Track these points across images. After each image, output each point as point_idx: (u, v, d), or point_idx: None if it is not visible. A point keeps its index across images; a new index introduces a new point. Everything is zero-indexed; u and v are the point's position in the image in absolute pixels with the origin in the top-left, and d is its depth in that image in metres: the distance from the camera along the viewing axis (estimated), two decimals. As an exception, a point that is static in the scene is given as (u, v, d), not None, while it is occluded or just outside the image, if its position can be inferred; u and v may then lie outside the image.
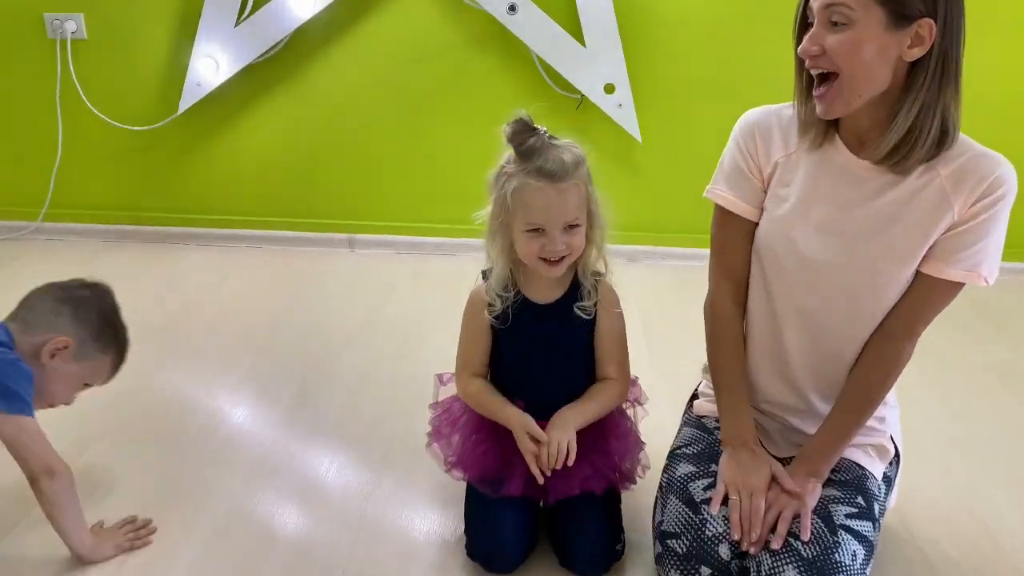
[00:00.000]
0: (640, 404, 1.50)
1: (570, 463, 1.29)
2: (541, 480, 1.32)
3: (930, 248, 1.19)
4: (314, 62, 2.69)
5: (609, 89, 2.61)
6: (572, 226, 1.27)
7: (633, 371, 1.44)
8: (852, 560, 1.19)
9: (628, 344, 1.40)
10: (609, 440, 1.41)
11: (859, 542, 1.21)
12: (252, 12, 2.57)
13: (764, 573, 1.18)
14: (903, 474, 1.42)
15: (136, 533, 1.42)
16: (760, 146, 1.30)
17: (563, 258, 1.28)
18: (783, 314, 1.32)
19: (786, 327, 1.33)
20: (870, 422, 1.33)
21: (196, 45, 2.60)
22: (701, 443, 1.40)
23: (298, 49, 2.67)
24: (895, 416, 1.42)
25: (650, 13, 2.59)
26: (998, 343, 2.31)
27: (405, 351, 2.17)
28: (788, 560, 1.18)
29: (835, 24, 1.11)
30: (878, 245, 1.21)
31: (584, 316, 1.34)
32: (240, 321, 2.30)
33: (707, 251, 1.40)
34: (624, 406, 1.46)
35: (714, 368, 1.38)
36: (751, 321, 1.37)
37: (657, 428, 1.52)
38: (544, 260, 1.28)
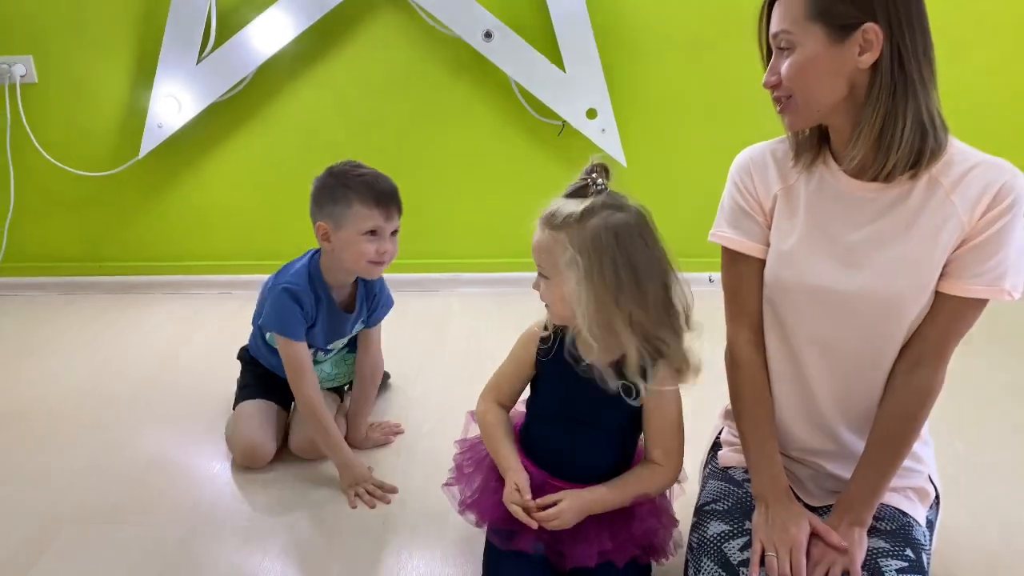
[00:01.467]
0: (679, 483, 1.37)
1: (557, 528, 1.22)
2: (535, 526, 1.21)
3: (946, 266, 1.12)
4: (281, 98, 2.59)
5: (591, 114, 2.53)
6: (542, 276, 1.21)
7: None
8: None
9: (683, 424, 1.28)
10: (634, 515, 1.30)
11: None
12: (215, 48, 2.46)
13: None
14: (943, 514, 1.33)
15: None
16: (757, 181, 1.24)
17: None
18: (800, 349, 1.23)
19: (806, 362, 1.23)
20: (907, 462, 1.23)
21: (156, 85, 2.48)
22: (731, 498, 1.28)
23: (264, 85, 2.57)
24: (930, 453, 1.32)
25: (631, 36, 2.54)
26: (1003, 359, 2.23)
27: (390, 392, 2.05)
28: None
29: (783, 50, 1.12)
30: (888, 266, 1.14)
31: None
32: (217, 376, 2.15)
33: (698, 274, 1.33)
34: (669, 507, 1.35)
35: (740, 418, 1.28)
36: (772, 362, 1.28)
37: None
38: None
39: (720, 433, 1.44)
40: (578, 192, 1.20)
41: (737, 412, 1.29)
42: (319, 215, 1.62)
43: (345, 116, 2.62)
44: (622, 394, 1.20)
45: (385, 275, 1.75)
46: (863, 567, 1.14)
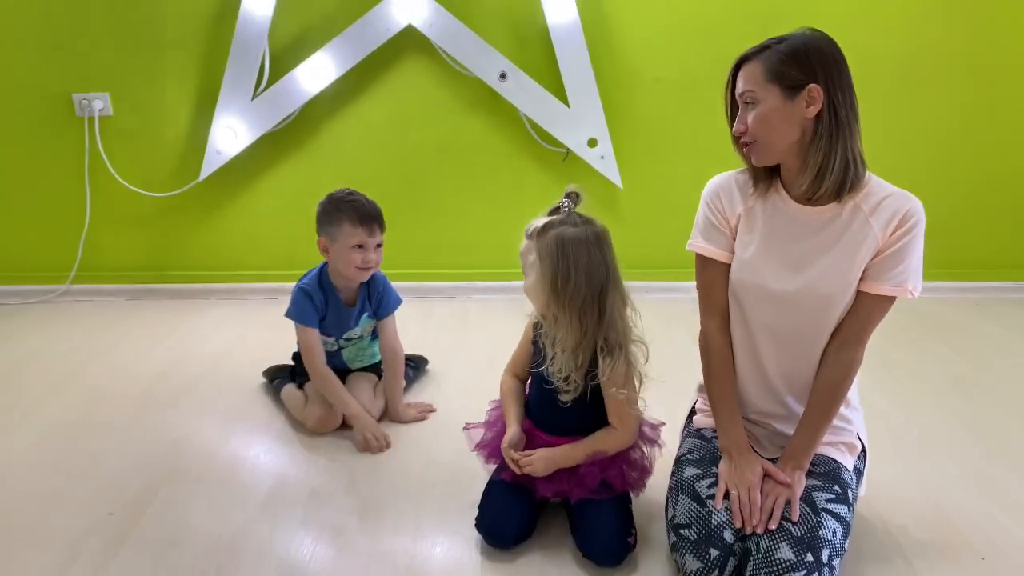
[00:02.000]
0: (659, 447, 1.69)
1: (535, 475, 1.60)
2: (518, 472, 1.61)
3: (864, 271, 1.46)
4: (323, 130, 2.94)
5: (592, 143, 2.89)
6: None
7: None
8: (833, 536, 1.42)
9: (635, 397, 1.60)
10: (622, 467, 1.64)
11: (838, 521, 1.44)
12: (267, 87, 2.82)
13: (763, 550, 1.41)
14: (873, 471, 1.66)
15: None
16: (725, 203, 1.57)
17: None
18: (757, 334, 1.57)
19: (761, 344, 1.58)
20: (839, 423, 1.58)
21: (216, 117, 2.83)
22: (702, 450, 1.63)
23: (308, 119, 2.91)
24: (859, 418, 1.67)
25: (626, 76, 2.89)
26: (944, 354, 2.58)
27: (424, 386, 2.39)
28: (782, 539, 1.41)
29: (748, 104, 1.44)
30: (822, 272, 1.48)
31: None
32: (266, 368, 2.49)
33: (684, 284, 1.67)
34: (645, 447, 1.68)
35: (710, 390, 1.63)
36: (734, 344, 1.63)
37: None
38: None
39: (695, 403, 1.79)
40: (552, 212, 1.55)
41: (708, 384, 1.64)
42: (320, 232, 2.05)
43: (378, 146, 2.96)
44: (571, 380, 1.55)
45: (412, 284, 2.15)
46: (801, 498, 1.48)
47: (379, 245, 2.05)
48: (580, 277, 1.49)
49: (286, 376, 2.27)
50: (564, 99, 2.85)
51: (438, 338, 2.66)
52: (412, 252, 3.02)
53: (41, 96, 2.88)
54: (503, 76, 2.81)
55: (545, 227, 1.52)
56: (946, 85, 2.94)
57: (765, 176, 1.53)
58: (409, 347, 2.27)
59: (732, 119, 1.50)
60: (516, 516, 1.62)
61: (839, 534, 1.44)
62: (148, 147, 2.95)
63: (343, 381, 2.14)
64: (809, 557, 1.38)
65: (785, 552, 1.39)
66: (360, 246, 2.01)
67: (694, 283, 1.65)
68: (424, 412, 2.18)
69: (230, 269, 3.11)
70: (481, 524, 1.62)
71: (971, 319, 2.88)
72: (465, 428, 1.80)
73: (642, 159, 2.98)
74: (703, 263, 1.62)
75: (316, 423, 2.05)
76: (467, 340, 2.68)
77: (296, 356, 2.24)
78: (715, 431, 1.63)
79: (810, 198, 1.47)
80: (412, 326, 2.78)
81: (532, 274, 1.54)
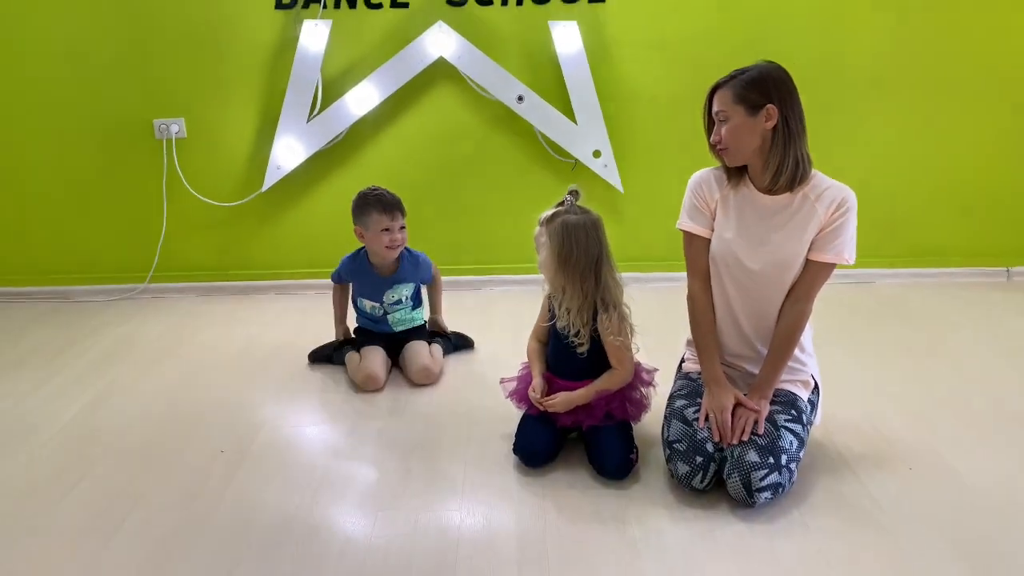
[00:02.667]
0: (654, 387, 2.13)
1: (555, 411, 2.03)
2: (541, 407, 2.04)
3: (811, 243, 1.89)
4: (367, 147, 3.37)
5: (596, 154, 3.32)
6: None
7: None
8: (790, 446, 1.84)
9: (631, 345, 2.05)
10: (624, 401, 2.08)
11: (794, 436, 1.86)
12: (320, 111, 3.26)
13: (735, 456, 1.83)
14: (831, 409, 2.10)
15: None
16: (706, 191, 2.00)
17: None
18: (732, 294, 2.00)
19: (734, 302, 2.00)
20: (795, 365, 2.00)
21: (277, 137, 3.27)
22: (689, 387, 2.06)
23: (355, 137, 3.35)
24: (813, 362, 2.07)
25: (625, 97, 3.30)
26: (901, 326, 3.02)
27: (463, 354, 2.83)
28: (750, 447, 1.83)
29: (722, 122, 1.86)
30: (779, 244, 1.91)
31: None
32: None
33: (678, 274, 2.08)
34: (644, 388, 2.11)
35: (695, 335, 2.06)
36: (715, 302, 2.06)
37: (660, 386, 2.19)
38: None
39: (684, 355, 2.22)
40: (558, 205, 2.01)
41: (693, 330, 2.06)
42: (355, 223, 2.56)
43: (414, 160, 3.38)
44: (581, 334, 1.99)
45: (445, 276, 2.69)
46: (766, 420, 1.91)
47: (402, 227, 2.55)
48: (580, 252, 1.95)
49: (344, 349, 2.69)
50: (572, 117, 3.27)
51: (471, 321, 3.05)
52: (442, 250, 3.36)
53: (126, 121, 3.33)
54: (520, 98, 3.25)
55: (553, 216, 1.98)
56: (906, 96, 3.33)
57: (736, 173, 1.96)
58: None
59: (709, 131, 1.94)
60: (543, 441, 2.05)
61: (795, 445, 1.86)
62: (217, 163, 3.39)
63: (400, 349, 2.59)
64: (771, 460, 1.81)
65: (752, 456, 1.82)
66: (387, 230, 2.50)
67: (686, 273, 2.09)
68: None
69: (287, 268, 3.53)
70: (517, 448, 2.05)
71: (927, 300, 3.29)
72: (501, 382, 2.23)
73: (640, 167, 3.38)
74: (689, 238, 2.05)
75: (364, 380, 2.49)
76: (494, 322, 3.09)
77: (356, 330, 2.70)
78: (699, 373, 2.07)
79: (770, 189, 1.91)
80: (445, 314, 3.21)
81: (544, 252, 1.99)
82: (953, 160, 3.44)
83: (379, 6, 3.20)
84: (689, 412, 1.97)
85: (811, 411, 2.02)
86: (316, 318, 3.10)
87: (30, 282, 3.54)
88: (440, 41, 3.19)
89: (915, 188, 3.47)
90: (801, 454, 1.90)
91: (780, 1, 3.22)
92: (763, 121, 1.82)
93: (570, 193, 2.04)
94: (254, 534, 1.78)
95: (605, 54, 3.27)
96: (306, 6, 3.18)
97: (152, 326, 3.17)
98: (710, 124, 1.93)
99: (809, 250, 1.90)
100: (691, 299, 2.07)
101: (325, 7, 3.17)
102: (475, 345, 2.88)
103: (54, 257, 3.52)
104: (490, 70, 3.22)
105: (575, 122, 3.28)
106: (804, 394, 2.01)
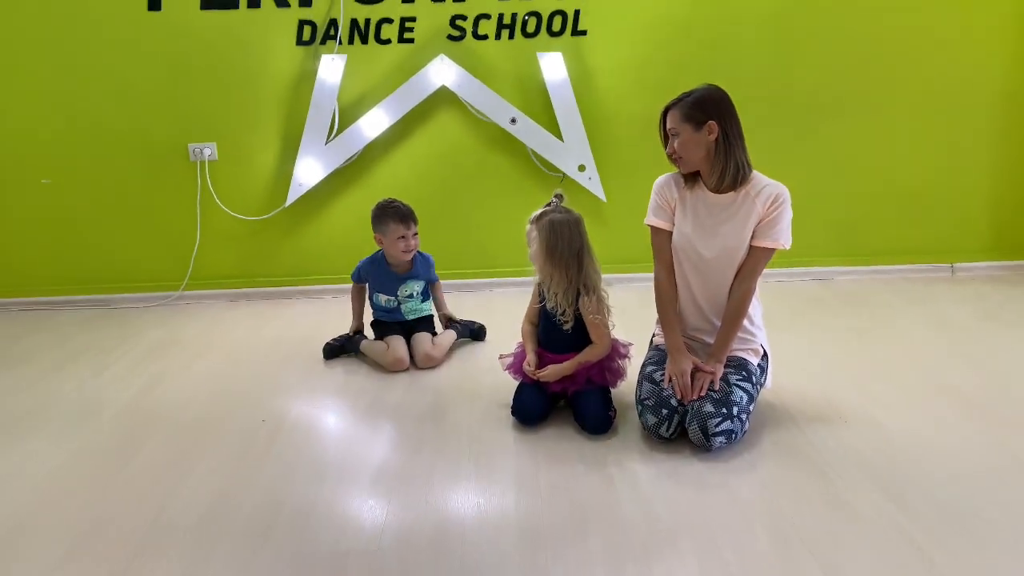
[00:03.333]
0: (629, 359, 2.49)
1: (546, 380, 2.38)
2: (533, 377, 2.39)
3: (753, 232, 2.24)
4: (379, 165, 3.75)
5: (581, 168, 3.70)
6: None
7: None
8: (740, 400, 2.18)
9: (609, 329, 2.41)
10: (604, 370, 2.45)
11: (744, 392, 2.20)
12: (337, 134, 3.64)
13: (694, 408, 2.17)
14: (781, 378, 2.45)
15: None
16: (667, 192, 2.37)
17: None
18: (691, 278, 2.36)
19: (694, 285, 2.36)
20: (745, 336, 2.33)
21: (299, 157, 3.64)
22: (658, 356, 2.41)
23: (369, 157, 3.72)
24: (762, 334, 2.40)
25: (606, 116, 3.69)
26: (853, 315, 3.39)
27: (468, 347, 3.19)
28: (706, 400, 2.17)
29: (674, 136, 2.21)
30: (727, 234, 2.26)
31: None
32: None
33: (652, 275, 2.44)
34: (621, 360, 2.48)
35: (659, 312, 2.41)
36: (677, 284, 2.40)
37: (635, 359, 2.55)
38: None
39: (655, 331, 2.58)
40: (545, 206, 2.37)
41: (659, 309, 2.40)
42: (375, 231, 2.94)
43: (420, 177, 3.75)
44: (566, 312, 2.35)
45: (446, 281, 3.13)
46: (721, 379, 2.26)
47: (415, 234, 2.93)
48: (564, 245, 2.31)
49: (357, 339, 3.07)
50: (559, 136, 3.65)
51: (473, 317, 3.43)
52: (445, 255, 3.69)
53: (164, 146, 3.70)
54: (513, 121, 3.63)
55: (541, 215, 2.35)
56: (857, 112, 3.72)
57: (691, 177, 2.34)
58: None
59: (665, 144, 2.30)
60: (536, 404, 2.40)
61: (744, 399, 2.20)
62: (245, 182, 3.76)
63: (409, 336, 2.96)
64: (724, 410, 2.16)
65: (708, 407, 2.17)
66: (402, 237, 2.88)
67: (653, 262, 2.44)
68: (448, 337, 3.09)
69: (308, 274, 3.90)
70: (514, 410, 2.41)
71: (879, 292, 3.67)
72: (500, 357, 2.60)
73: (620, 179, 3.75)
74: (655, 232, 2.41)
75: (393, 362, 2.86)
76: (492, 318, 3.44)
77: (373, 318, 3.08)
78: (664, 345, 2.43)
79: (718, 189, 2.28)
80: (454, 310, 3.56)
81: (534, 245, 2.36)
82: (901, 168, 3.83)
83: (388, 42, 3.60)
84: (657, 375, 2.33)
85: (760, 374, 2.37)
86: (334, 317, 3.42)
87: (74, 291, 3.90)
88: (442, 72, 3.58)
89: (867, 193, 3.85)
90: (751, 408, 2.25)
91: (740, 33, 3.62)
92: (707, 135, 2.19)
93: (555, 196, 2.42)
94: (297, 484, 2.13)
95: (587, 81, 3.66)
96: (324, 43, 3.58)
97: (188, 328, 3.53)
98: (665, 138, 2.29)
99: (752, 238, 2.27)
100: (657, 282, 2.43)
101: (341, 43, 3.57)
102: (486, 331, 3.26)
103: (97, 268, 3.88)
104: (486, 96, 3.61)
105: (562, 140, 3.67)
106: (754, 360, 2.36)
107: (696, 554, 1.74)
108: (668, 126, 2.25)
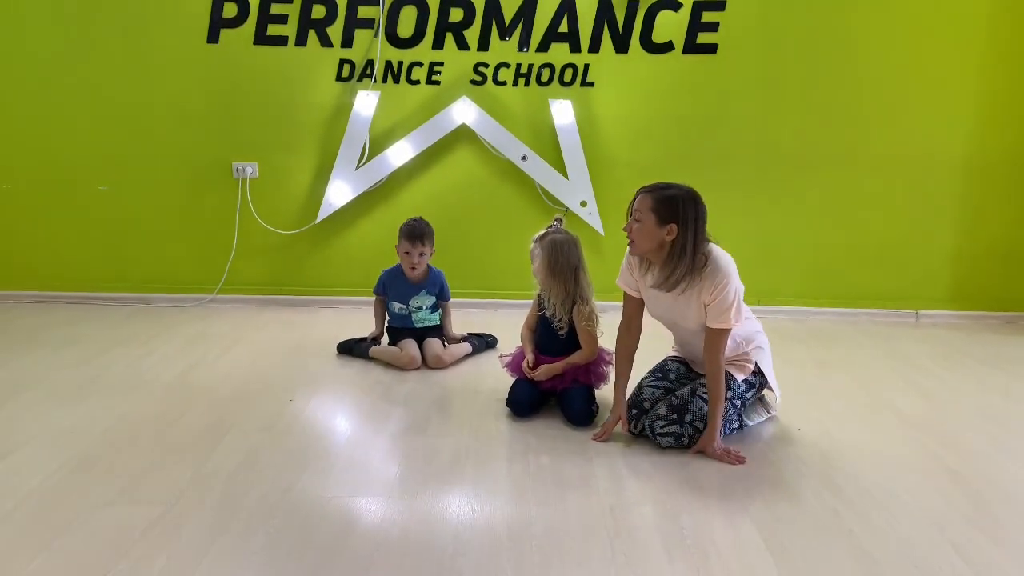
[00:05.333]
0: (612, 365, 2.76)
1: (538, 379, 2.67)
2: (529, 376, 2.67)
3: (706, 315, 2.34)
4: (403, 191, 4.08)
5: (583, 204, 4.04)
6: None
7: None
8: (698, 410, 2.41)
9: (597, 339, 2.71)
10: (590, 372, 2.74)
11: (704, 403, 2.41)
12: (367, 161, 4.00)
13: (654, 409, 2.46)
14: (787, 412, 2.70)
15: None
16: (634, 266, 2.48)
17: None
18: (675, 333, 2.62)
19: (679, 337, 2.63)
20: (739, 358, 2.51)
21: (331, 180, 3.99)
22: (657, 367, 2.68)
23: (393, 183, 4.06)
24: (764, 357, 2.58)
25: (608, 159, 4.02)
26: (820, 348, 3.68)
27: (477, 361, 3.50)
28: (663, 405, 2.43)
29: (636, 220, 2.29)
30: (688, 318, 2.39)
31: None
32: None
33: None
34: (605, 367, 2.77)
35: (616, 363, 2.59)
36: (674, 336, 2.65)
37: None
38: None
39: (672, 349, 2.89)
40: (547, 227, 2.69)
41: (616, 357, 2.61)
42: (398, 242, 3.21)
43: (438, 203, 4.06)
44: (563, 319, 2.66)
45: (457, 300, 3.43)
46: (687, 390, 2.47)
47: (421, 253, 3.20)
48: (564, 260, 2.64)
49: (361, 343, 3.37)
50: (565, 174, 3.99)
51: (477, 330, 3.76)
52: (456, 276, 3.91)
53: (210, 163, 4.06)
54: (524, 158, 3.97)
55: (544, 235, 2.69)
56: (829, 170, 4.05)
57: (645, 262, 2.43)
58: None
59: (627, 218, 2.35)
60: (528, 396, 2.70)
61: (704, 410, 2.41)
62: (281, 199, 4.10)
63: (422, 341, 3.28)
64: (674, 416, 2.40)
65: (661, 410, 2.43)
66: (407, 253, 3.18)
67: None
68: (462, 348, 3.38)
69: (332, 285, 4.21)
70: (509, 401, 2.71)
71: (846, 332, 3.96)
72: (500, 356, 2.92)
73: (617, 215, 3.82)
74: (624, 294, 2.59)
75: (407, 361, 3.17)
76: (495, 333, 3.78)
77: (390, 325, 3.39)
78: (672, 359, 2.70)
79: (660, 287, 2.36)
80: (460, 326, 3.86)
81: (537, 261, 2.68)
82: (872, 222, 4.14)
83: (417, 82, 3.98)
84: (645, 383, 2.63)
85: (747, 389, 2.55)
86: (353, 324, 3.75)
87: (120, 288, 4.24)
88: (464, 111, 3.94)
89: (841, 243, 4.16)
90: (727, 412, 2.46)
91: (728, 94, 3.98)
92: (665, 234, 2.26)
93: (556, 219, 2.76)
94: (322, 444, 2.44)
95: (592, 127, 4.01)
96: (360, 80, 3.97)
97: (219, 326, 3.84)
98: (629, 214, 2.35)
99: (706, 319, 2.36)
100: (618, 334, 2.61)
101: (375, 81, 3.96)
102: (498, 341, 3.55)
103: (140, 269, 4.22)
104: (501, 135, 3.96)
105: (567, 178, 4.00)
106: (739, 375, 2.51)
107: (655, 519, 2.03)
108: (635, 207, 2.30)
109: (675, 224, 2.24)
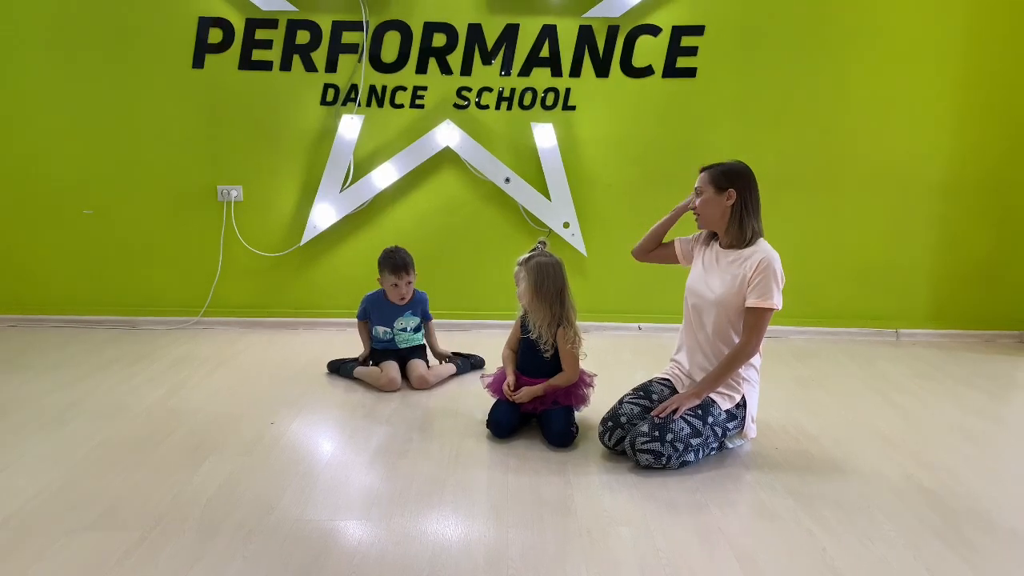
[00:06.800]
0: (593, 387, 2.80)
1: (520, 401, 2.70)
2: (510, 398, 2.70)
3: (748, 289, 2.46)
4: (387, 213, 4.12)
5: (566, 225, 4.08)
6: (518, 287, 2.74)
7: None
8: (680, 430, 2.43)
9: (580, 363, 2.73)
10: (570, 394, 2.76)
11: (688, 425, 2.44)
12: (351, 183, 4.04)
13: (635, 426, 2.49)
14: (765, 430, 2.73)
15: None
16: (696, 237, 2.70)
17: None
18: (692, 315, 2.63)
19: (694, 321, 2.62)
20: (728, 390, 2.54)
21: (315, 202, 4.02)
22: (639, 388, 2.71)
23: (377, 206, 4.10)
24: (752, 393, 2.61)
25: (589, 180, 4.07)
26: (800, 367, 3.72)
27: (460, 381, 3.52)
28: (646, 423, 2.45)
29: (699, 194, 2.56)
30: (721, 286, 2.54)
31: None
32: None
33: (628, 324, 2.77)
34: (586, 389, 2.80)
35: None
36: (684, 326, 2.70)
37: (598, 388, 2.87)
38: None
39: (667, 367, 2.92)
40: (532, 250, 2.72)
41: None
42: (379, 275, 3.26)
43: (422, 225, 4.11)
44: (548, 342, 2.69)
45: (441, 321, 3.50)
46: (674, 411, 2.51)
47: (409, 282, 3.28)
48: (549, 283, 2.67)
49: (349, 363, 3.40)
50: (547, 195, 4.04)
51: (462, 350, 3.78)
52: (441, 297, 4.04)
53: (196, 186, 4.09)
54: (507, 180, 4.02)
55: (529, 258, 2.72)
56: (809, 190, 4.11)
57: (711, 236, 2.67)
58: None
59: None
60: (508, 417, 2.72)
61: (685, 431, 2.44)
62: (266, 222, 4.13)
63: (405, 363, 3.29)
64: (656, 434, 2.42)
65: (643, 427, 2.45)
66: (395, 285, 3.24)
67: (635, 324, 2.74)
68: (452, 361, 3.45)
69: (316, 307, 4.23)
70: (489, 423, 2.73)
71: (825, 350, 4.00)
72: (481, 377, 2.93)
73: (599, 236, 4.12)
74: (672, 242, 2.79)
75: (386, 383, 3.19)
76: (481, 351, 3.80)
77: (373, 347, 3.41)
78: (658, 380, 2.74)
79: (727, 245, 2.57)
80: (449, 345, 3.88)
81: (522, 284, 2.72)
82: (853, 242, 4.20)
83: (401, 106, 4.03)
84: (626, 399, 2.66)
85: (727, 419, 2.56)
86: (337, 346, 3.79)
87: (105, 311, 4.24)
88: (447, 134, 3.99)
89: (822, 263, 4.22)
90: (697, 442, 2.47)
91: (707, 115, 4.05)
92: (725, 199, 2.53)
93: (540, 243, 2.79)
94: (303, 466, 2.45)
95: (574, 149, 4.06)
96: (345, 104, 4.01)
97: (204, 349, 3.85)
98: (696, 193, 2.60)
99: (746, 298, 2.48)
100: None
101: (360, 105, 4.00)
102: (484, 363, 3.58)
103: (126, 292, 4.23)
104: (484, 158, 4.01)
105: (549, 200, 4.05)
106: (723, 404, 2.54)
107: (632, 540, 2.04)
108: (697, 185, 2.58)
109: (732, 189, 2.50)
